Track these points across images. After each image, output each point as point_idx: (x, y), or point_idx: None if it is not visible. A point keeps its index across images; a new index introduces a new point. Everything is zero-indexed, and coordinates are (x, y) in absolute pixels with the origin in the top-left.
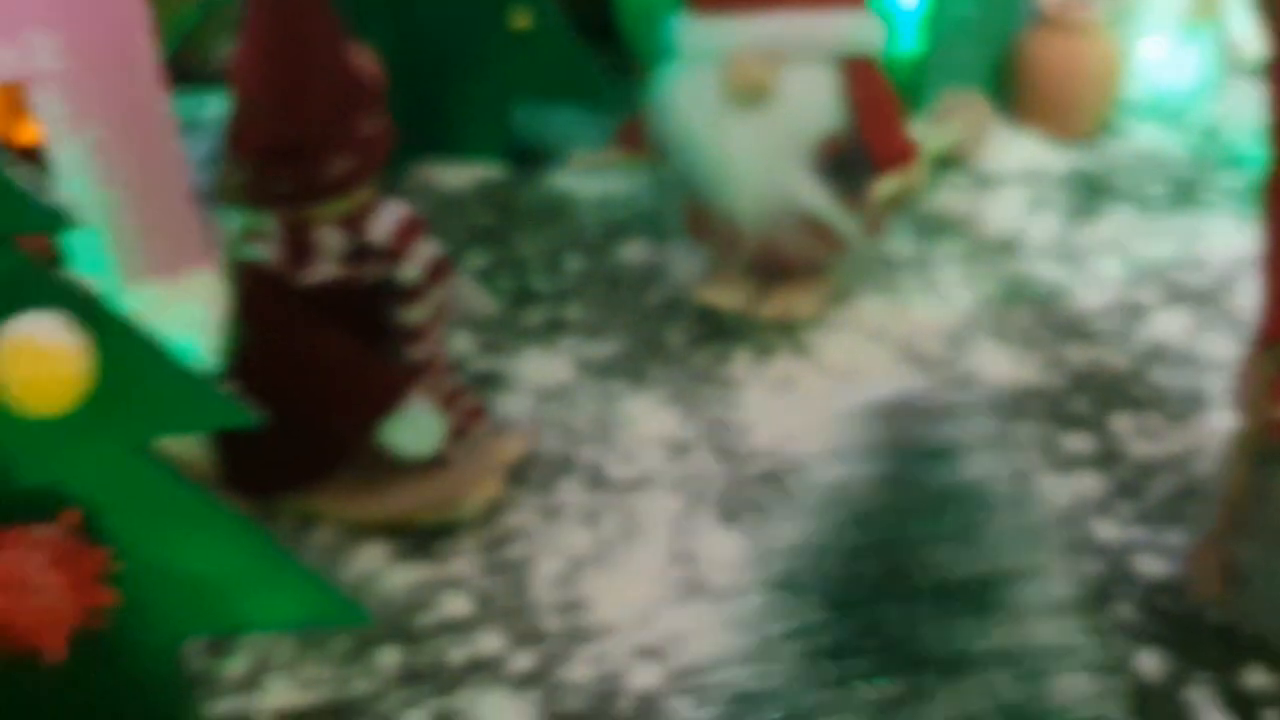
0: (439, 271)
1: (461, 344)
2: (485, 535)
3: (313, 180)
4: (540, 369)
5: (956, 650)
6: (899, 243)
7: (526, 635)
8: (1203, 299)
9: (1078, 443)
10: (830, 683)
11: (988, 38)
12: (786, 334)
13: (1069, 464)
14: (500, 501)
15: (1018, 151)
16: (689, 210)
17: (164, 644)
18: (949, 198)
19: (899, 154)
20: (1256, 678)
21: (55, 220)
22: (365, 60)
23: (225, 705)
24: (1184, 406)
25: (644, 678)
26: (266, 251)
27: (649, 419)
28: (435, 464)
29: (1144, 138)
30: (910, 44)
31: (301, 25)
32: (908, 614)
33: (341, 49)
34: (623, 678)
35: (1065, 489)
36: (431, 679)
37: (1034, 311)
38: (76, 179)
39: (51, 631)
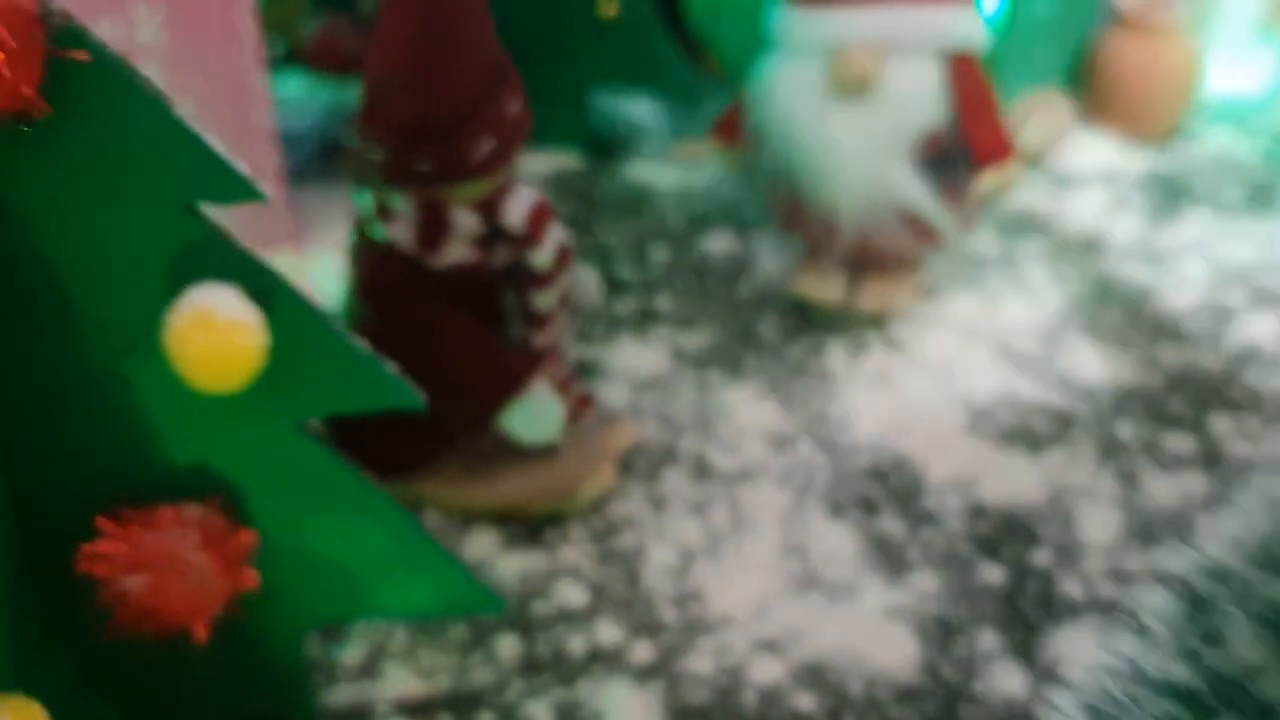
0: (565, 257)
1: None
2: (595, 524)
3: (456, 161)
4: (635, 358)
5: None
6: (984, 240)
7: (644, 626)
8: None
9: (1180, 443)
10: None
11: (1065, 38)
12: (879, 328)
13: (1173, 464)
14: (609, 490)
15: (1094, 152)
16: (782, 202)
17: (294, 628)
18: (1029, 196)
19: (999, 150)
20: None
21: (246, 190)
22: None
23: (344, 693)
24: None
25: (765, 671)
26: (396, 232)
27: (748, 410)
28: (546, 452)
29: (1216, 141)
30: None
31: (451, 2)
32: None
33: (488, 27)
34: (744, 670)
35: (1172, 489)
36: (552, 669)
37: (1124, 311)
38: None
39: (199, 613)
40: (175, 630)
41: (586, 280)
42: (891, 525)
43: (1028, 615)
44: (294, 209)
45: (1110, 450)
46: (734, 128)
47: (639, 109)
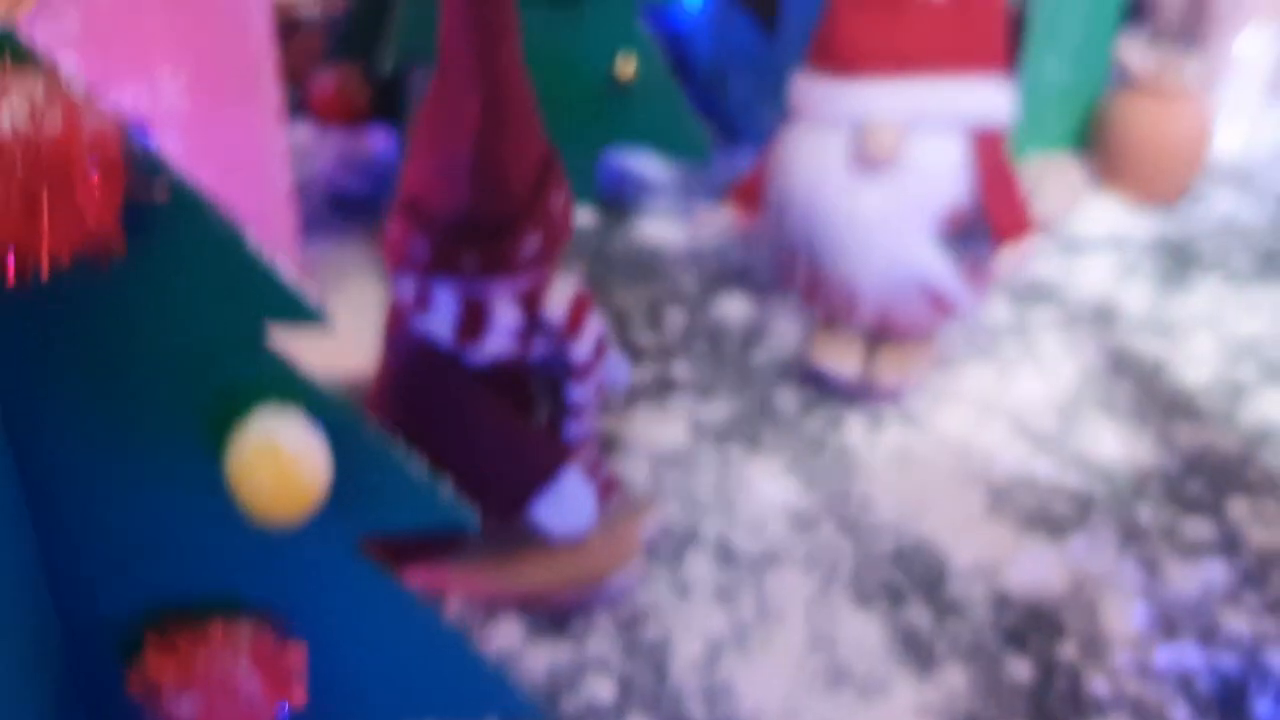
0: (603, 349)
1: None
2: (620, 613)
3: (503, 257)
4: (654, 431)
5: None
6: (996, 308)
7: None
8: None
9: (1199, 529)
10: None
11: (1076, 101)
12: (894, 401)
13: (1193, 551)
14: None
15: (1101, 215)
16: (802, 272)
17: None
18: (1040, 263)
19: (1020, 226)
20: None
21: (312, 315)
22: None
23: None
24: None
25: None
26: (435, 323)
27: (769, 487)
28: (574, 540)
29: (1223, 204)
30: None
31: (504, 97)
32: None
33: (539, 121)
34: None
35: (1194, 578)
36: None
37: (1137, 386)
38: None
39: None
40: None
41: (617, 369)
42: (918, 615)
43: (1056, 713)
44: (309, 268)
45: (1131, 536)
46: (753, 196)
47: (650, 167)
